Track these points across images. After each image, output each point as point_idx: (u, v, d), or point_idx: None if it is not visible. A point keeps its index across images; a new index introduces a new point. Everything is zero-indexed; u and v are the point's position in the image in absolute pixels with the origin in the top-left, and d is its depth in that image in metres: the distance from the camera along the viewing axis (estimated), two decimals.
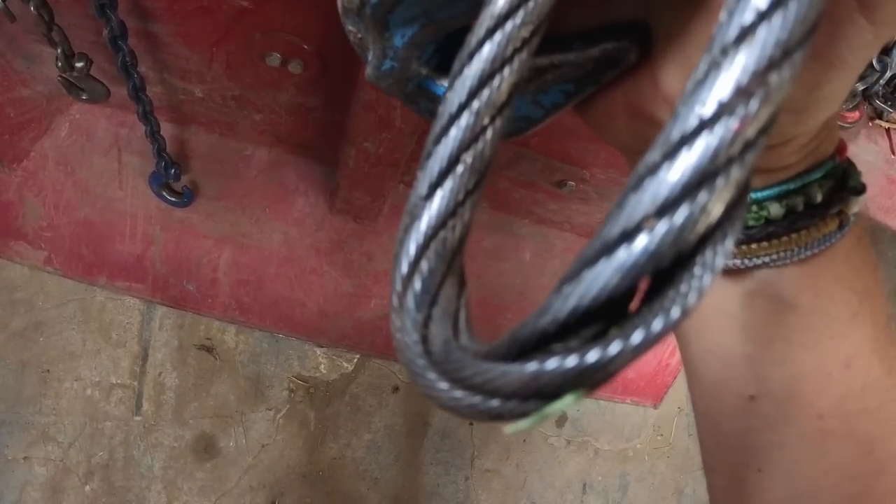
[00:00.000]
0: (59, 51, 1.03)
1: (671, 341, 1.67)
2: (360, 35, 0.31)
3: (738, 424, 0.39)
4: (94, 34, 1.02)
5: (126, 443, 1.41)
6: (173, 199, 1.38)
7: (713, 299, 0.38)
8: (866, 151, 1.07)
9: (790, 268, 0.35)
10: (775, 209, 0.34)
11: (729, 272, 0.37)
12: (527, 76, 0.28)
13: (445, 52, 0.32)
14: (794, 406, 0.36)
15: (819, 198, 0.33)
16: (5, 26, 1.08)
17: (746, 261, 0.35)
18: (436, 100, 0.34)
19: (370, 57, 0.32)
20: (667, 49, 0.29)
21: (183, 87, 1.21)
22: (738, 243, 0.35)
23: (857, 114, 1.05)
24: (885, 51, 1.00)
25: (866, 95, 1.04)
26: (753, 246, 0.35)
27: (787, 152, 0.32)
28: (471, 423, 1.64)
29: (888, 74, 1.00)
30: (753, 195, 0.33)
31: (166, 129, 1.30)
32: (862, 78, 1.01)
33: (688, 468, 1.86)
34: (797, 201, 0.34)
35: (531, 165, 1.22)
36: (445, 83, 0.32)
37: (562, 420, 1.73)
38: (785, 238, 0.34)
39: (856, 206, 0.34)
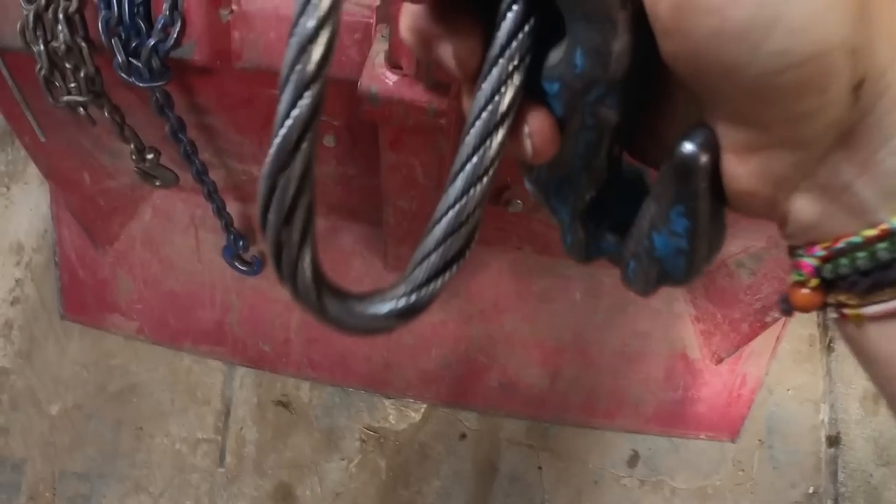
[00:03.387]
0: (132, 146, 1.20)
1: (741, 371, 1.67)
2: (537, 197, 0.38)
3: None
4: (159, 129, 1.18)
5: (211, 493, 1.54)
6: (245, 268, 1.53)
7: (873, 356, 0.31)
8: None
9: None
10: None
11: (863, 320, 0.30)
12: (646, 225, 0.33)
13: (595, 214, 0.37)
14: None
15: None
16: (89, 130, 1.26)
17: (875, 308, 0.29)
18: (609, 254, 0.38)
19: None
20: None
21: (243, 169, 1.36)
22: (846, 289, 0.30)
23: None
24: None
25: None
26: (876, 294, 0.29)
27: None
28: (539, 467, 1.67)
29: None
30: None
31: (233, 207, 1.46)
32: None
33: None
34: None
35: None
36: (610, 239, 0.37)
37: (633, 459, 1.74)
38: None
39: None
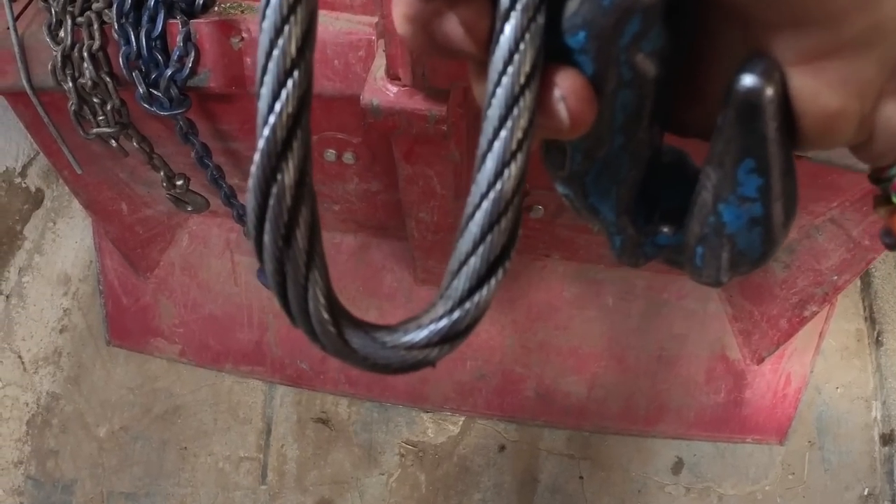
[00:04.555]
0: (162, 173, 1.25)
1: (784, 370, 1.63)
2: (573, 201, 0.33)
3: None
4: (186, 156, 1.22)
5: None
6: None
7: None
8: None
9: None
10: None
11: None
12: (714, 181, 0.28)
13: (642, 206, 0.33)
14: None
15: None
16: (124, 161, 1.31)
17: None
18: (667, 248, 0.34)
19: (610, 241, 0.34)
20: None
21: None
22: None
23: None
24: None
25: None
26: None
27: None
28: (580, 477, 1.66)
29: None
30: None
31: None
32: None
33: None
34: None
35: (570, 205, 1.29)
36: (666, 231, 0.33)
37: (678, 466, 1.71)
38: None
39: None
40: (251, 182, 0.23)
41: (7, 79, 1.09)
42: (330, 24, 0.96)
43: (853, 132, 0.25)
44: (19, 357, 1.70)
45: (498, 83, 0.25)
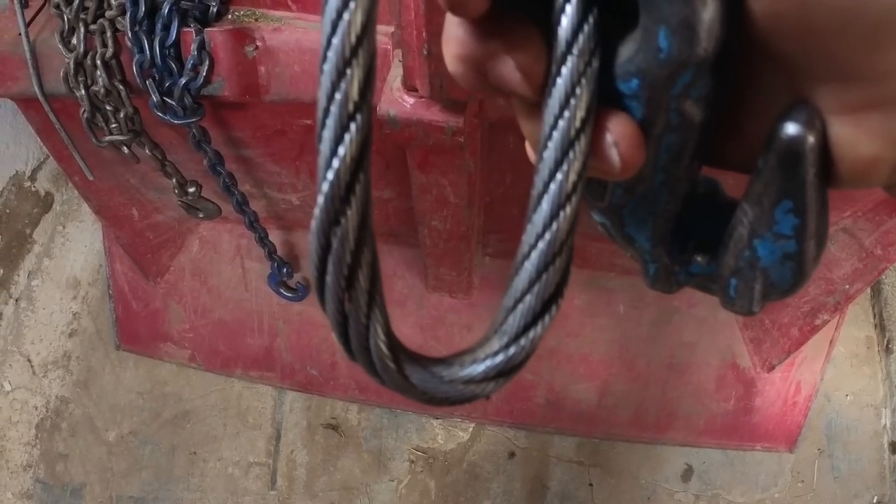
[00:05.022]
0: (174, 181, 1.25)
1: (794, 378, 1.62)
2: (609, 230, 0.34)
3: None
4: (199, 164, 1.22)
5: None
6: (290, 294, 1.56)
7: None
8: None
9: None
10: None
11: None
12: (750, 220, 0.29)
13: (676, 236, 0.33)
14: None
15: None
16: (135, 167, 1.31)
17: None
18: (700, 276, 0.34)
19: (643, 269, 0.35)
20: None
21: (282, 198, 1.39)
22: None
23: None
24: None
25: None
26: None
27: None
28: (590, 484, 1.66)
29: None
30: None
31: (276, 236, 1.49)
32: None
33: None
34: None
35: (591, 217, 1.28)
36: (700, 260, 0.33)
37: (687, 474, 1.70)
38: None
39: None
40: (314, 225, 0.24)
41: (19, 85, 1.09)
42: None
43: (887, 176, 0.26)
44: (28, 360, 1.70)
45: (554, 126, 0.26)
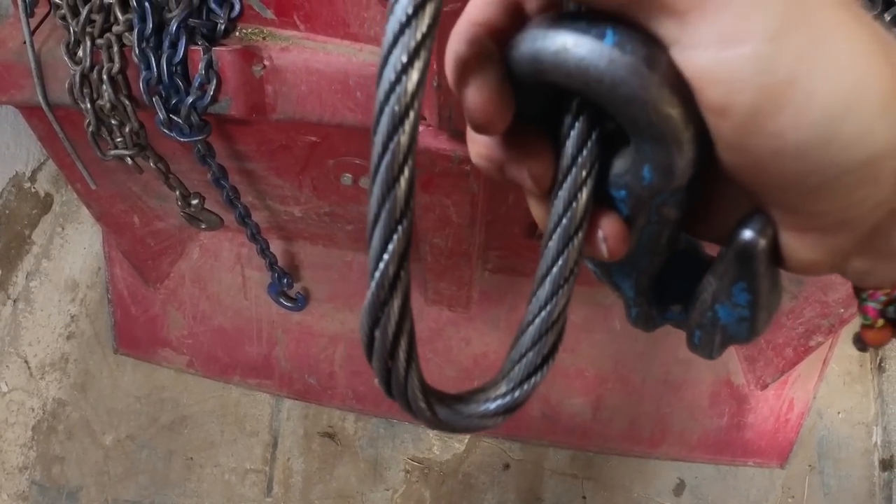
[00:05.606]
0: (177, 192, 1.25)
1: (787, 396, 1.64)
2: (598, 276, 0.40)
3: None
4: (202, 175, 1.22)
5: None
6: (289, 304, 1.57)
7: None
8: None
9: None
10: None
11: None
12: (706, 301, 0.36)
13: (657, 288, 0.40)
14: None
15: None
16: (138, 176, 1.31)
17: None
18: (674, 321, 0.41)
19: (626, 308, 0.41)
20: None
21: (284, 210, 1.39)
22: None
23: None
24: None
25: None
26: None
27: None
28: (584, 497, 1.67)
29: None
30: None
31: (277, 246, 1.50)
32: None
33: None
34: None
35: None
36: (674, 309, 0.40)
37: (679, 488, 1.72)
38: None
39: None
40: (366, 305, 0.30)
41: (23, 93, 1.09)
42: (353, 55, 0.96)
43: (827, 271, 0.32)
44: (26, 362, 1.70)
45: (558, 223, 0.33)
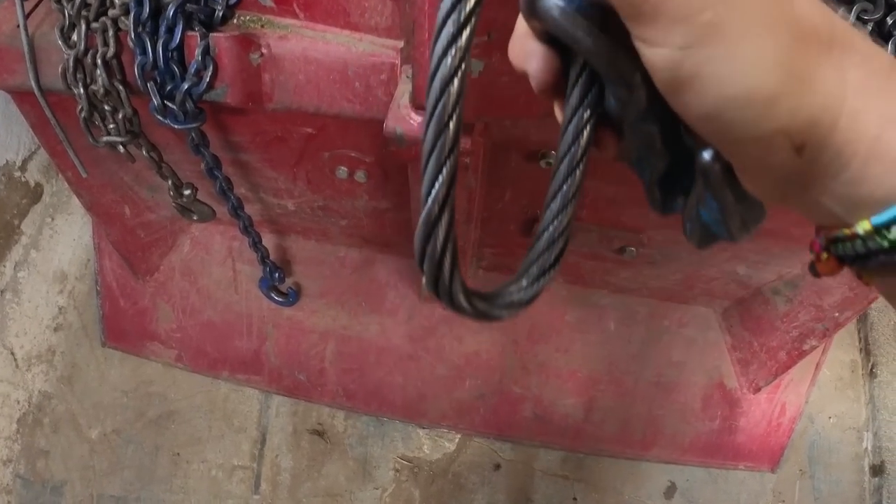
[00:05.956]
0: (169, 182, 1.23)
1: (780, 400, 1.63)
2: (629, 166, 0.48)
3: None
4: (195, 166, 1.21)
5: None
6: (280, 299, 1.55)
7: None
8: None
9: None
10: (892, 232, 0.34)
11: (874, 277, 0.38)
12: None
13: (667, 182, 0.47)
14: None
15: None
16: (129, 165, 1.29)
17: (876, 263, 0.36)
18: (677, 211, 0.47)
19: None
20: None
21: (278, 203, 1.38)
22: (854, 264, 0.37)
23: None
24: None
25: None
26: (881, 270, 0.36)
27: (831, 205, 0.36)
28: (574, 498, 1.66)
29: None
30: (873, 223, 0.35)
31: (269, 240, 1.48)
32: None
33: None
34: None
35: (587, 236, 1.28)
36: (679, 201, 0.46)
37: (670, 491, 1.71)
38: None
39: None
40: (421, 223, 0.38)
41: (15, 78, 1.07)
42: (353, 45, 0.95)
43: (771, 202, 0.39)
44: (12, 353, 1.68)
45: (566, 153, 0.42)
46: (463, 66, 0.36)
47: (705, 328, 1.61)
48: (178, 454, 1.60)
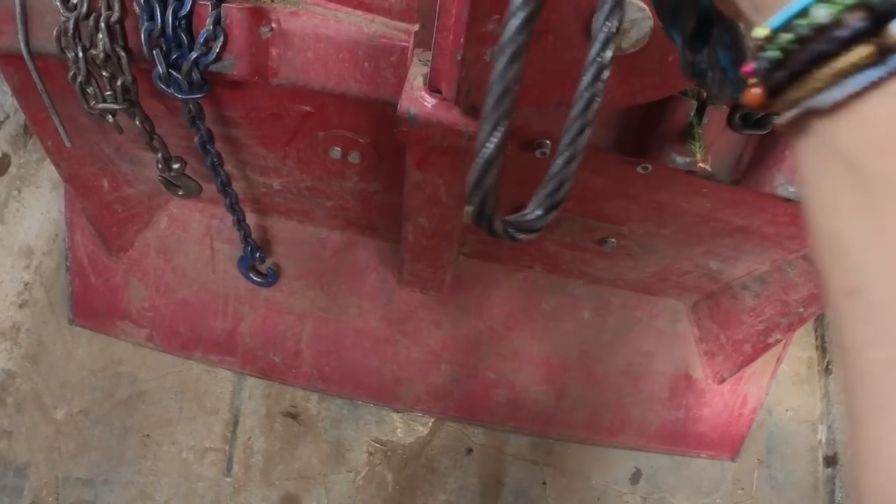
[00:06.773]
0: (159, 155, 1.21)
1: (742, 392, 1.69)
2: (662, 27, 0.56)
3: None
4: (186, 140, 1.19)
5: (217, 502, 1.54)
6: (259, 279, 1.54)
7: (801, 174, 0.36)
8: None
9: (843, 120, 0.32)
10: (784, 38, 0.32)
11: (791, 128, 0.35)
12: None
13: (696, 42, 0.53)
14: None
15: (825, 19, 0.31)
16: (112, 137, 1.27)
17: (792, 111, 0.33)
18: (701, 69, 0.53)
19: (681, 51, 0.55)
20: None
21: (263, 182, 1.37)
22: (771, 92, 0.35)
23: None
24: None
25: None
26: (788, 92, 0.33)
27: None
28: (543, 483, 1.69)
29: None
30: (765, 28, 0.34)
31: (251, 219, 1.47)
32: None
33: None
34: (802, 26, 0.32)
35: (571, 226, 1.31)
36: (702, 60, 0.53)
37: (636, 477, 1.76)
38: (811, 75, 0.32)
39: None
40: (476, 168, 0.45)
41: (3, 40, 1.04)
42: (365, 25, 0.95)
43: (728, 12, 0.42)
44: None
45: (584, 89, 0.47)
46: (527, 41, 0.43)
47: (675, 320, 1.66)
48: (148, 436, 1.57)
